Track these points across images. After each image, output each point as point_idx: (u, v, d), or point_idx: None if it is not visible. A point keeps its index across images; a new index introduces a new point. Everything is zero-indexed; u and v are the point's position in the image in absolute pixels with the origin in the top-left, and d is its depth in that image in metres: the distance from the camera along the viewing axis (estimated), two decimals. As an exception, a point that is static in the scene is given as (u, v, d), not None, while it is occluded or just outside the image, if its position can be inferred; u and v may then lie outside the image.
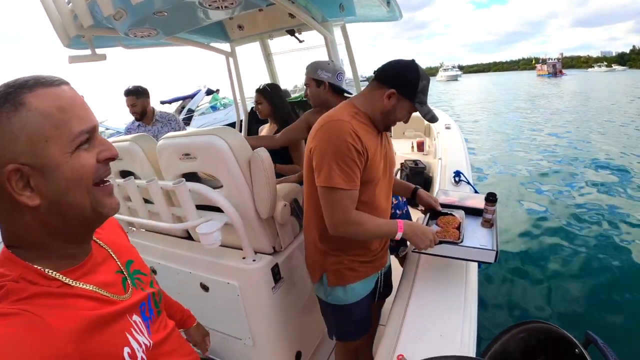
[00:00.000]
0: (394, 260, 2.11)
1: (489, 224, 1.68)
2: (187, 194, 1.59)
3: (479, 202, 1.81)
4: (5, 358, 0.46)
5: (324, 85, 2.12)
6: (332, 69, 2.12)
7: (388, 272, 1.80)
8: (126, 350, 0.64)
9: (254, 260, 1.71)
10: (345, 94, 2.20)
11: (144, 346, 0.69)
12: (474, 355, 1.16)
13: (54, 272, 0.61)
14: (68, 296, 0.61)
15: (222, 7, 1.66)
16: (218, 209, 1.67)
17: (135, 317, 0.72)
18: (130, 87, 3.27)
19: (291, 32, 2.88)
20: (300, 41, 2.99)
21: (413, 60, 1.37)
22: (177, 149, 1.66)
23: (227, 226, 1.67)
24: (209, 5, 1.62)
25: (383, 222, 1.43)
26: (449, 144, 3.73)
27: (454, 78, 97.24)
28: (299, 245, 2.00)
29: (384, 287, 1.78)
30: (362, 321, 1.66)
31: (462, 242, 1.47)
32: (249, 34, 2.92)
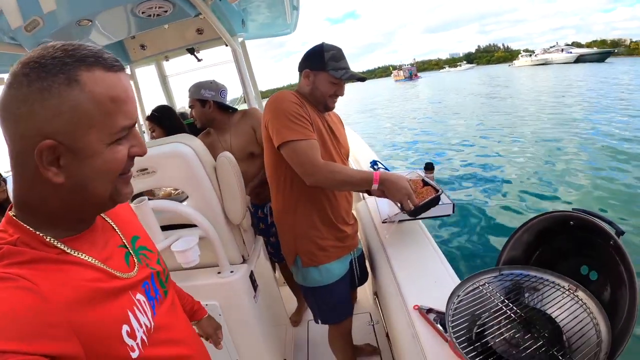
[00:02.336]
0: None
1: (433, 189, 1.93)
2: (150, 214, 1.48)
3: (410, 174, 2.04)
4: None
5: (209, 104, 2.18)
6: (215, 87, 2.20)
7: (361, 257, 1.92)
8: (125, 328, 0.62)
9: (231, 272, 1.67)
10: (231, 110, 2.30)
11: (144, 327, 0.67)
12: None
13: (54, 240, 0.60)
14: (67, 263, 0.60)
15: (154, 15, 1.63)
16: (180, 227, 1.62)
17: (140, 296, 0.70)
18: None
19: (191, 51, 2.86)
20: (199, 60, 3.00)
21: (321, 43, 1.57)
22: None
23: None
24: (142, 13, 1.58)
25: (358, 170, 1.54)
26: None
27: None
28: (260, 251, 2.03)
29: (361, 273, 1.89)
30: (343, 302, 1.76)
31: (441, 192, 1.55)
32: (151, 53, 2.81)
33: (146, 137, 2.82)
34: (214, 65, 3.11)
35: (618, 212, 5.07)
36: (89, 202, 0.62)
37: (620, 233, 0.89)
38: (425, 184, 1.63)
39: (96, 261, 0.65)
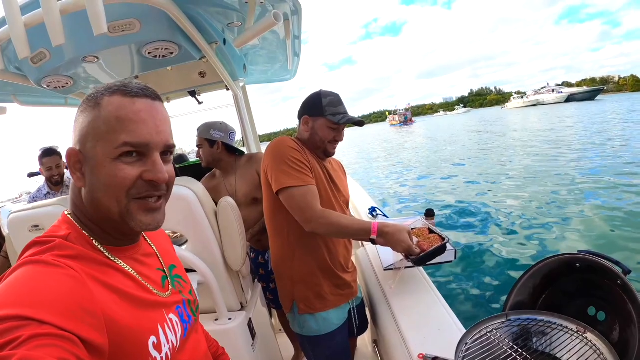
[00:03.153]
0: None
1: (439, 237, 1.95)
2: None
3: (416, 222, 2.05)
4: (41, 299, 0.52)
5: (217, 145, 2.25)
6: (224, 129, 2.28)
7: (361, 306, 1.90)
8: (152, 339, 0.67)
9: (229, 319, 1.67)
10: (238, 154, 2.37)
11: (171, 344, 0.72)
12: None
13: (99, 244, 0.69)
14: (110, 267, 0.68)
15: (159, 56, 1.70)
16: None
17: (172, 316, 0.76)
18: (50, 147, 3.00)
19: (192, 94, 2.96)
20: (200, 103, 3.10)
21: (319, 90, 1.65)
22: None
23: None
24: (148, 53, 1.65)
25: (357, 219, 1.57)
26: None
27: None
28: (258, 298, 2.03)
29: (360, 322, 1.87)
30: (341, 353, 1.72)
31: (448, 240, 1.53)
32: (154, 95, 2.88)
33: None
34: (215, 108, 3.22)
35: (622, 249, 5.19)
36: (102, 213, 0.69)
37: (627, 272, 0.92)
38: (431, 232, 1.64)
39: (135, 273, 0.72)
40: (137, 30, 1.50)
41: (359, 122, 1.65)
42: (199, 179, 3.05)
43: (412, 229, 1.74)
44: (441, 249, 1.49)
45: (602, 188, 8.48)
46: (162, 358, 0.68)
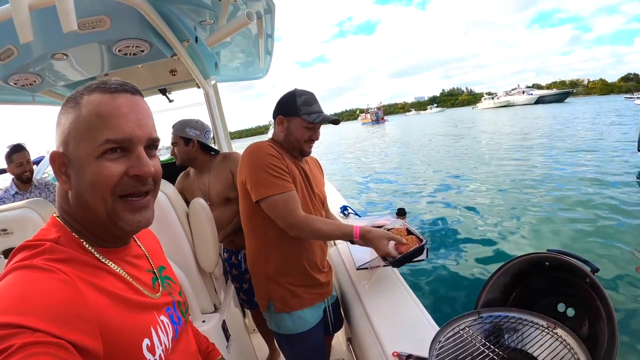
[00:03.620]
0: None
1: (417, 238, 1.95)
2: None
3: (387, 221, 2.06)
4: (33, 305, 0.51)
5: (193, 143, 2.22)
6: (200, 127, 2.25)
7: (336, 304, 1.91)
8: (146, 342, 0.66)
9: (203, 322, 1.65)
10: (213, 152, 2.35)
11: (164, 345, 0.71)
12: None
13: (89, 246, 0.68)
14: (101, 270, 0.67)
15: (130, 54, 1.66)
16: None
17: (163, 318, 0.76)
18: (18, 143, 2.92)
19: (163, 92, 2.91)
20: (170, 101, 3.04)
21: (293, 89, 1.64)
22: None
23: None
24: (119, 51, 1.61)
25: (340, 223, 1.60)
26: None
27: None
28: (231, 299, 2.01)
29: (335, 320, 1.87)
30: (318, 350, 1.74)
31: (426, 242, 1.54)
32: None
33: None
34: (186, 106, 3.17)
35: (589, 249, 5.39)
36: (90, 215, 0.67)
37: (595, 270, 0.96)
38: (409, 232, 1.65)
39: (127, 275, 0.72)
40: (107, 27, 1.46)
41: (335, 121, 1.65)
42: (170, 178, 3.01)
43: (390, 229, 1.75)
44: (418, 251, 1.50)
45: (571, 189, 8.76)
46: None
